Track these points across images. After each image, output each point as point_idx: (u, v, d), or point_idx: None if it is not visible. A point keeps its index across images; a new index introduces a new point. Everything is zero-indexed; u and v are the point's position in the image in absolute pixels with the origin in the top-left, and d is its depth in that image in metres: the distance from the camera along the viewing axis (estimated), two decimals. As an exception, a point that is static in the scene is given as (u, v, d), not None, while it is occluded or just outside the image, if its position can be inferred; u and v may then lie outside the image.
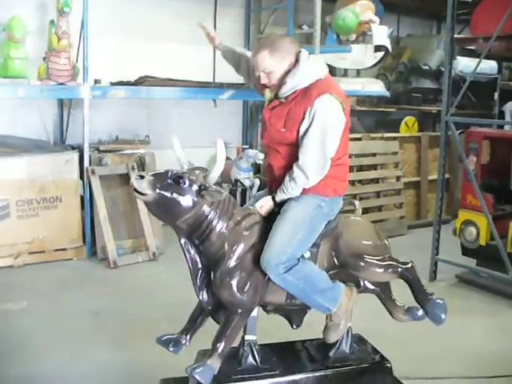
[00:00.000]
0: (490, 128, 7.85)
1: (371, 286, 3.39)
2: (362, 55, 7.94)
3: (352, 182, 7.34)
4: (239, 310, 3.03)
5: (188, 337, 3.27)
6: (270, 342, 3.49)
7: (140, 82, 6.82)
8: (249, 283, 3.01)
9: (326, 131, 3.01)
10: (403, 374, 3.58)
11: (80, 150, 6.49)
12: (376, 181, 7.96)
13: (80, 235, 6.47)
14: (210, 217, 2.97)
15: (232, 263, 2.99)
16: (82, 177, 6.45)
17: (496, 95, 9.44)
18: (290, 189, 3.10)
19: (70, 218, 6.41)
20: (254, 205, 3.22)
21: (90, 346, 4.37)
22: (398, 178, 8.29)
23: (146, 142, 7.35)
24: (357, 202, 3.57)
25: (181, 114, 8.22)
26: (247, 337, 3.24)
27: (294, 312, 3.31)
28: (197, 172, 2.96)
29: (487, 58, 5.72)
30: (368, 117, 9.52)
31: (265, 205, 3.16)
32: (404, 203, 8.27)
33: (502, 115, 9.76)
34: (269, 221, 3.13)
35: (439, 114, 9.15)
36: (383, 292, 3.46)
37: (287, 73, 3.08)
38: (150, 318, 4.85)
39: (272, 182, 3.28)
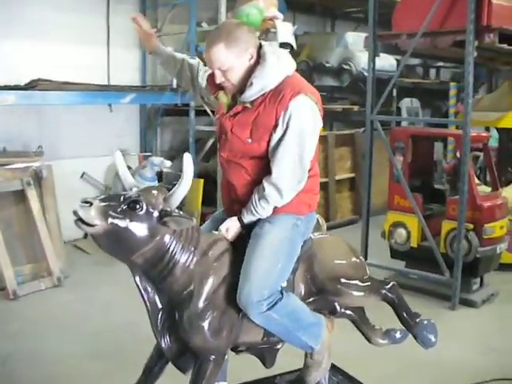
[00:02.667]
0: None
1: (348, 312, 3.01)
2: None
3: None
4: (212, 357, 2.55)
5: (144, 391, 2.74)
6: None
7: (32, 86, 6.02)
8: (223, 324, 2.53)
9: (303, 138, 2.57)
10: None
11: (-36, 166, 5.64)
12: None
13: (-30, 264, 5.60)
14: (172, 248, 2.46)
15: (202, 303, 2.49)
16: (-32, 197, 5.61)
17: (394, 92, 9.47)
18: (261, 208, 2.62)
19: (-44, 245, 5.53)
20: (216, 228, 2.72)
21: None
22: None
23: (39, 153, 6.56)
24: (320, 218, 3.17)
25: (74, 121, 7.43)
26: (218, 385, 2.75)
27: (266, 350, 2.85)
28: (154, 193, 2.43)
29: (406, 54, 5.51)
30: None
31: (231, 227, 2.67)
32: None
33: (398, 111, 9.88)
34: (237, 246, 2.66)
35: (343, 113, 9.16)
36: (359, 316, 3.09)
37: (250, 71, 2.62)
38: (71, 357, 4.20)
39: (232, 202, 2.78)
